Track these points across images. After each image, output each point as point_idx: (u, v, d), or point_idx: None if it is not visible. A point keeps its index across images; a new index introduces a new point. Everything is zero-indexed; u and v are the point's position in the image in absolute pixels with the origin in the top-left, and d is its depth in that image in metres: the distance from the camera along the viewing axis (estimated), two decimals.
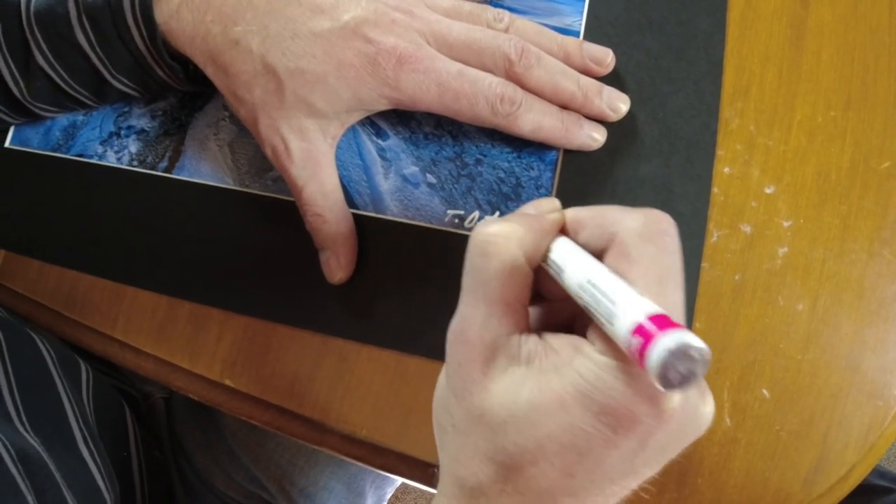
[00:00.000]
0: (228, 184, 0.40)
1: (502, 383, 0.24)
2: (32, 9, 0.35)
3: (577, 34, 0.39)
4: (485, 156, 0.39)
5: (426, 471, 0.38)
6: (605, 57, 0.37)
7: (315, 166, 0.36)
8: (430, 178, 0.39)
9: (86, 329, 0.41)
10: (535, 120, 0.36)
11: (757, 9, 0.39)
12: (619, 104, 0.37)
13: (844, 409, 0.35)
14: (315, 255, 0.37)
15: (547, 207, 0.27)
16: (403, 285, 0.38)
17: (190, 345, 0.39)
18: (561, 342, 0.24)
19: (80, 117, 0.42)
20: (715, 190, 0.37)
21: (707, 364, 0.20)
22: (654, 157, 0.38)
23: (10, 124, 0.42)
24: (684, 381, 0.20)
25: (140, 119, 0.42)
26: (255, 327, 0.39)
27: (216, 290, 0.39)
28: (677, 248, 0.24)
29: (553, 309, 0.28)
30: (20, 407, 0.34)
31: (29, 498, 0.30)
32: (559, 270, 0.25)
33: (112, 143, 0.41)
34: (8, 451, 0.31)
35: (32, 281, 0.41)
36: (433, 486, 0.38)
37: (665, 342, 0.19)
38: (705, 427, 0.23)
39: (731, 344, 0.36)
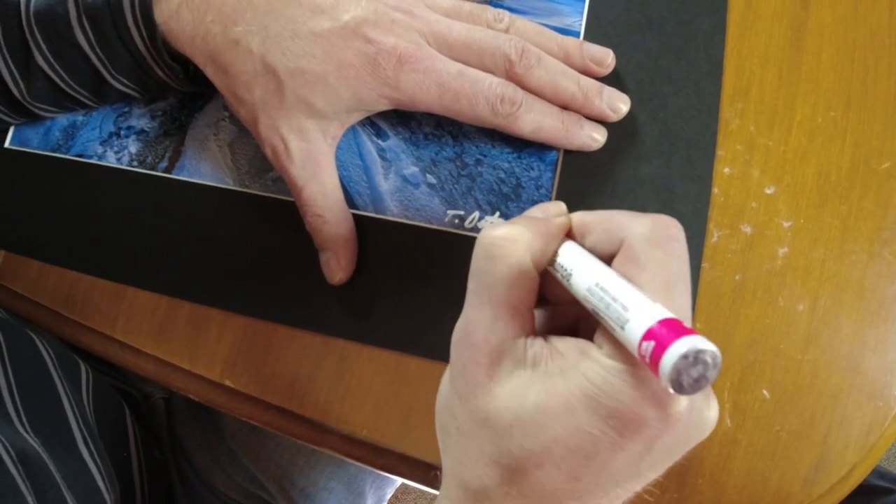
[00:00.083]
0: (228, 184, 0.40)
1: (508, 386, 0.24)
2: (32, 9, 0.35)
3: (577, 34, 0.39)
4: (485, 156, 0.38)
5: (426, 471, 0.38)
6: (606, 57, 0.37)
7: (315, 166, 0.36)
8: (431, 179, 0.39)
9: (86, 329, 0.41)
10: (536, 120, 0.36)
11: (757, 9, 0.39)
12: (619, 104, 0.37)
13: (845, 409, 0.35)
14: (315, 256, 0.37)
15: (554, 211, 0.27)
16: (403, 286, 0.38)
17: (190, 345, 0.39)
18: (567, 346, 0.24)
19: (80, 117, 0.42)
20: (715, 190, 0.37)
21: (718, 368, 0.20)
22: (654, 158, 0.38)
23: (10, 124, 0.42)
24: (696, 385, 0.20)
25: (140, 119, 0.42)
26: (255, 328, 0.39)
27: (216, 291, 0.39)
28: (685, 254, 0.24)
29: (558, 312, 0.28)
30: (20, 408, 0.34)
31: (29, 499, 0.30)
32: (567, 274, 0.25)
33: (112, 144, 0.41)
34: (8, 451, 0.31)
35: (32, 281, 0.41)
36: (434, 486, 0.38)
37: (678, 347, 0.20)
38: (709, 430, 0.23)
39: (732, 344, 0.36)
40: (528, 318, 0.25)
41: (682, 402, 0.22)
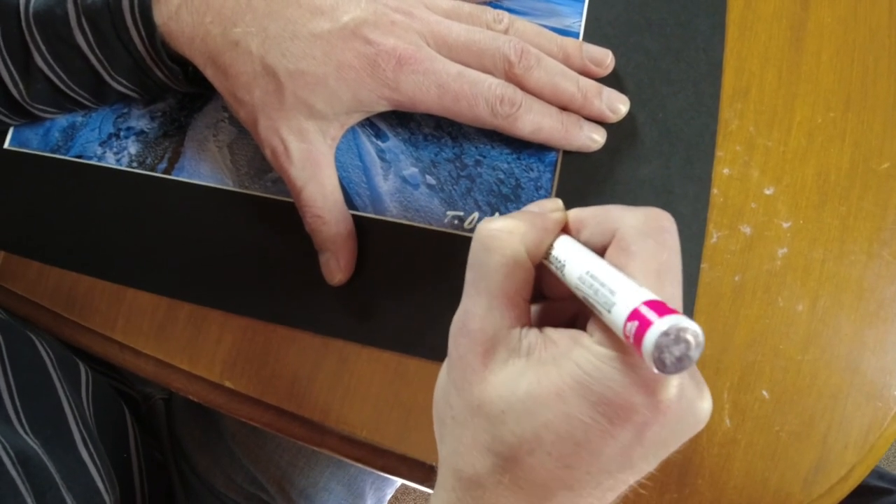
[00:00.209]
0: (228, 185, 0.40)
1: (502, 375, 0.24)
2: (31, 10, 0.35)
3: (576, 35, 0.39)
4: (484, 157, 0.39)
5: (426, 472, 0.38)
6: (605, 58, 0.37)
7: (314, 167, 0.36)
8: (430, 180, 0.39)
9: (85, 330, 0.41)
10: (535, 121, 0.36)
11: (756, 10, 0.39)
12: (618, 105, 0.37)
13: (844, 409, 0.35)
14: (314, 257, 0.37)
15: (550, 207, 0.28)
16: (403, 286, 0.38)
17: (190, 346, 0.39)
18: (560, 335, 0.24)
19: (80, 118, 0.42)
20: (714, 191, 0.37)
21: (701, 347, 0.20)
22: (653, 159, 0.38)
23: (10, 125, 0.42)
24: (679, 364, 0.20)
25: (139, 120, 0.42)
26: (254, 328, 0.39)
27: (216, 292, 0.39)
28: (676, 245, 0.24)
29: (555, 308, 0.29)
30: (20, 409, 0.34)
31: (28, 500, 0.30)
32: (560, 266, 0.26)
33: (111, 145, 0.41)
34: (7, 453, 0.31)
35: (32, 282, 0.41)
36: (433, 486, 0.38)
37: (660, 325, 0.20)
38: (703, 422, 0.24)
39: (731, 345, 0.36)
40: (523, 308, 0.26)
41: (672, 389, 0.22)
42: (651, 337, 0.20)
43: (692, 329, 0.20)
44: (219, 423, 0.51)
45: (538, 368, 0.24)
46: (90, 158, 0.41)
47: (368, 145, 0.39)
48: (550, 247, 0.26)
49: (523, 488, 0.24)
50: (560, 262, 0.26)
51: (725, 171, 0.37)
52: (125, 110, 0.42)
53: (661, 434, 0.23)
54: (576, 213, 0.27)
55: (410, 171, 0.39)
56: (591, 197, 0.38)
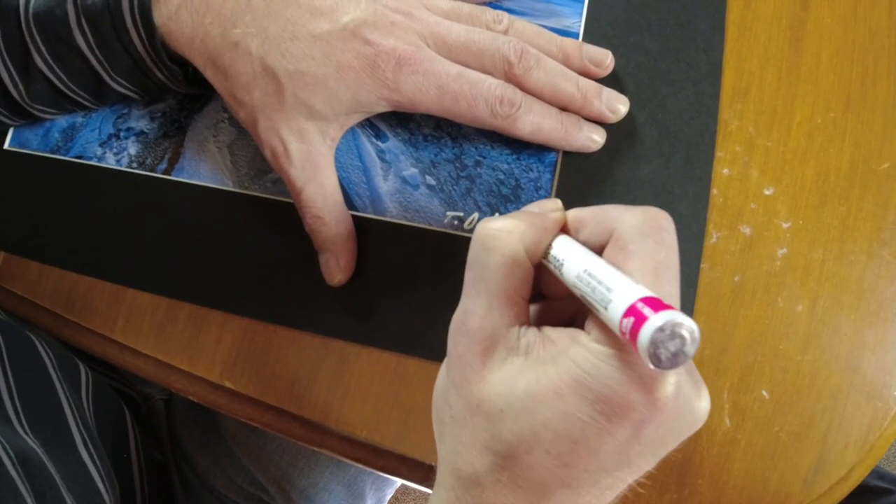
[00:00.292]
0: (228, 186, 0.40)
1: (500, 373, 0.24)
2: (31, 11, 0.35)
3: (576, 36, 0.39)
4: (484, 157, 0.39)
5: (426, 472, 0.38)
6: (605, 58, 0.37)
7: (314, 168, 0.36)
8: (430, 180, 0.39)
9: (85, 331, 0.41)
10: (535, 121, 0.36)
11: (756, 10, 0.39)
12: (618, 105, 0.37)
13: (844, 410, 0.35)
14: (314, 257, 0.37)
15: (549, 207, 0.28)
16: (403, 287, 0.38)
17: (189, 346, 0.39)
18: (558, 334, 0.25)
19: (80, 119, 0.42)
20: (714, 191, 0.37)
21: (697, 343, 0.20)
22: (653, 159, 0.38)
23: (10, 126, 0.42)
24: (674, 359, 0.20)
25: (139, 121, 0.42)
26: (254, 329, 0.39)
27: (216, 292, 0.39)
28: (674, 244, 0.24)
29: (554, 307, 0.29)
30: (20, 409, 0.34)
31: (28, 500, 0.30)
32: (559, 265, 0.26)
33: (111, 145, 0.41)
34: (7, 453, 0.31)
35: (32, 283, 0.41)
36: (433, 486, 0.38)
37: (655, 321, 0.20)
38: (700, 421, 0.24)
39: (731, 345, 0.36)
40: (522, 307, 0.26)
41: (669, 386, 0.22)
42: (646, 332, 0.20)
43: (688, 325, 0.20)
44: (219, 424, 0.51)
45: (536, 367, 0.24)
46: (90, 159, 0.41)
47: (368, 146, 0.39)
48: (549, 246, 0.27)
49: (522, 487, 0.24)
50: (558, 261, 0.26)
51: (725, 171, 0.37)
52: (125, 111, 0.42)
53: (659, 432, 0.23)
54: (575, 213, 0.27)
55: (410, 171, 0.39)
56: (590, 197, 0.38)
